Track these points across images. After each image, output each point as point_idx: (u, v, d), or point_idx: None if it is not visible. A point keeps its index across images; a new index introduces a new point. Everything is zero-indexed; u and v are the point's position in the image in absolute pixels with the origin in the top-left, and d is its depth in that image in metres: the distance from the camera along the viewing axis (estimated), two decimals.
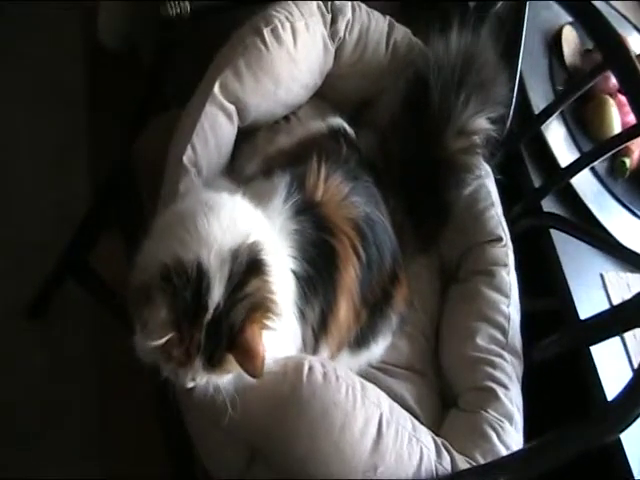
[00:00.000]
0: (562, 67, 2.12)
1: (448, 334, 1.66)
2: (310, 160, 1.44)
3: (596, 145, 1.92)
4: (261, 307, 1.20)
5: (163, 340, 1.15)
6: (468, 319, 1.62)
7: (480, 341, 1.57)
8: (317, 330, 1.37)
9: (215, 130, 1.54)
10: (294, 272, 1.32)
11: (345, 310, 1.41)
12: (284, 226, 1.33)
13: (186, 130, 1.52)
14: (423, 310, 1.68)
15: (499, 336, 1.58)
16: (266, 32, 1.59)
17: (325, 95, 1.80)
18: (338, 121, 1.66)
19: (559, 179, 1.83)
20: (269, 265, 1.24)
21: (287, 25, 1.63)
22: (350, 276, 1.40)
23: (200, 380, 1.21)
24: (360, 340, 1.49)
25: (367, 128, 1.77)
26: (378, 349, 1.55)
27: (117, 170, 1.89)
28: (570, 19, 2.18)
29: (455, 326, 1.65)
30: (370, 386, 1.37)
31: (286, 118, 1.74)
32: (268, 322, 1.20)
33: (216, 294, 1.18)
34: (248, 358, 1.17)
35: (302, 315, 1.34)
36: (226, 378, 1.23)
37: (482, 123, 1.69)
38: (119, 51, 2.62)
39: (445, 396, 1.59)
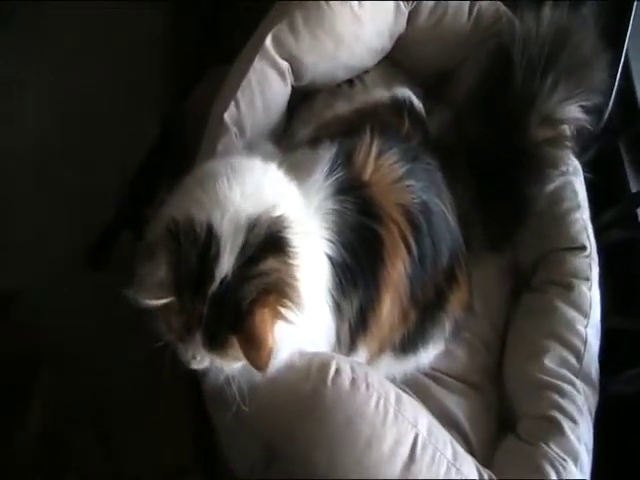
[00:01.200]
0: None
1: (513, 348, 1.43)
2: (363, 132, 1.24)
3: None
4: (276, 291, 1.04)
5: (159, 302, 1.02)
6: (538, 335, 1.39)
7: (549, 363, 1.34)
8: (355, 327, 1.19)
9: (264, 88, 1.41)
10: (330, 257, 1.13)
11: (389, 308, 1.21)
12: (322, 205, 1.15)
13: (232, 86, 1.39)
14: (488, 316, 1.47)
15: (572, 360, 1.34)
16: None
17: (397, 61, 1.63)
18: (405, 92, 1.45)
19: None
20: (293, 246, 1.07)
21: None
22: (397, 271, 1.19)
23: (202, 361, 1.08)
24: (407, 344, 1.29)
25: (441, 105, 1.56)
26: (427, 356, 1.35)
27: (168, 124, 1.80)
28: None
29: (523, 340, 1.42)
30: (407, 400, 1.18)
31: (350, 82, 1.57)
32: (284, 311, 1.04)
33: (225, 264, 1.03)
34: (253, 346, 1.02)
35: (337, 307, 1.16)
36: (234, 366, 1.09)
37: (573, 111, 1.44)
38: None
39: (503, 417, 1.38)
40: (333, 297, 1.15)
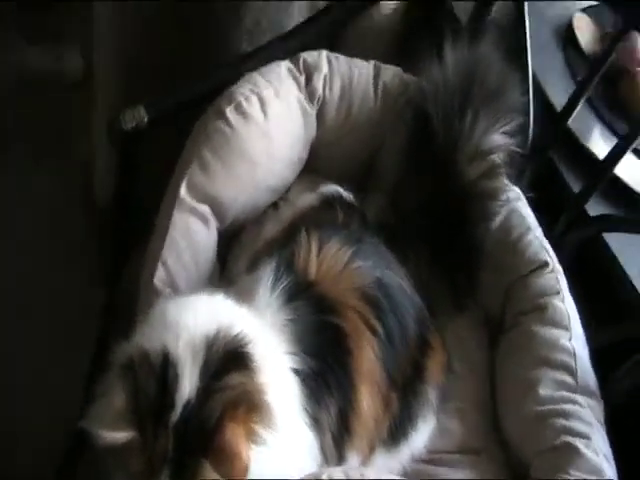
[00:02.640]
0: (580, 57, 1.87)
1: (505, 395, 1.37)
2: (298, 236, 1.22)
3: (635, 122, 1.62)
4: (244, 404, 0.98)
5: (119, 436, 0.93)
6: (524, 369, 1.33)
7: (544, 391, 1.28)
8: (338, 435, 1.13)
9: (189, 240, 1.34)
10: (296, 371, 1.08)
11: (369, 401, 1.16)
12: (275, 319, 1.11)
13: (156, 247, 1.32)
14: (470, 377, 1.40)
15: (567, 378, 1.29)
16: (228, 111, 1.40)
17: (317, 168, 1.56)
18: (331, 187, 1.44)
19: (601, 173, 1.54)
20: (257, 361, 1.02)
21: (252, 97, 1.42)
22: (367, 358, 1.16)
23: None
24: (396, 432, 1.23)
25: (373, 190, 1.54)
26: (420, 437, 1.28)
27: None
28: (579, 7, 1.95)
29: (511, 382, 1.36)
30: None
31: (274, 205, 1.51)
32: (255, 427, 0.97)
33: (187, 387, 0.97)
34: (227, 462, 0.93)
35: (315, 421, 1.10)
36: None
37: (497, 139, 1.43)
38: None
39: (515, 469, 1.30)
40: (308, 412, 1.08)
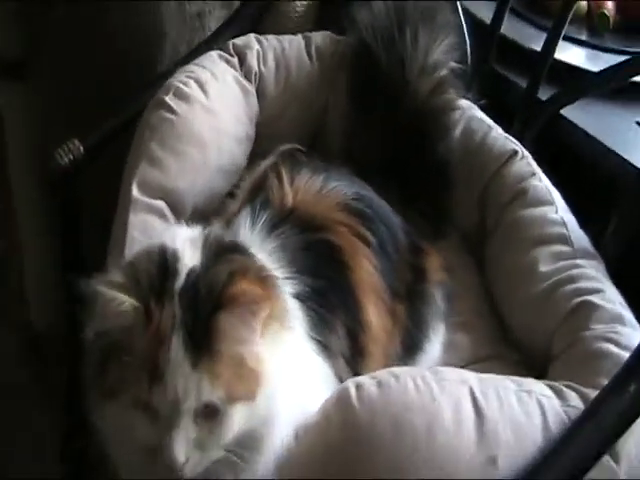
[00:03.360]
0: None
1: (507, 290, 1.34)
2: (266, 181, 1.20)
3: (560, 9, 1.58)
4: (252, 273, 0.93)
5: (122, 308, 0.87)
6: (521, 256, 1.31)
7: (544, 268, 1.26)
8: (351, 358, 1.10)
9: (149, 237, 1.22)
10: (296, 296, 1.04)
11: (376, 317, 1.13)
12: (262, 250, 1.05)
13: (115, 251, 1.25)
14: (466, 294, 1.38)
15: (563, 248, 1.27)
16: (168, 99, 1.38)
17: (266, 148, 1.47)
18: (286, 145, 1.43)
19: (543, 60, 1.54)
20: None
21: (190, 81, 1.41)
22: (365, 269, 1.13)
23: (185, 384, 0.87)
24: (409, 343, 1.20)
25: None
26: (434, 347, 1.26)
27: None
28: None
29: (511, 275, 1.33)
30: (444, 368, 1.08)
31: (231, 195, 1.42)
32: (260, 306, 0.89)
33: (189, 261, 0.93)
34: (244, 308, 0.88)
35: (325, 348, 1.06)
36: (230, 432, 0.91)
37: (439, 54, 1.43)
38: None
39: (533, 363, 1.26)
40: (316, 339, 1.05)
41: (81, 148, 1.41)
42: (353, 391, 0.98)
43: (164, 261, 0.93)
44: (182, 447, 0.88)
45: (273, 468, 0.97)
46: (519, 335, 1.31)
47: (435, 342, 1.26)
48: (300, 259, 1.07)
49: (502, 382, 1.04)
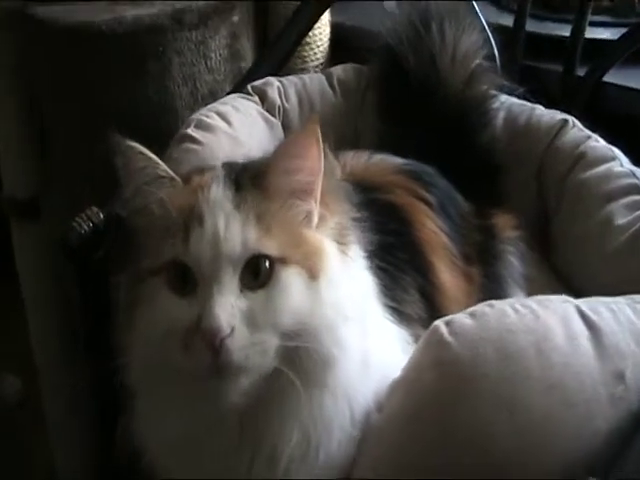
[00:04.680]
0: None
1: (584, 257, 1.20)
2: None
3: None
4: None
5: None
6: (592, 217, 1.18)
7: (621, 220, 1.13)
8: (429, 319, 0.93)
9: None
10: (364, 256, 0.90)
11: (448, 275, 1.02)
12: None
13: None
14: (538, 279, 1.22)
15: (636, 197, 1.15)
16: (191, 131, 1.28)
17: None
18: None
19: (576, 37, 1.47)
20: None
21: (212, 114, 1.33)
22: (430, 229, 1.03)
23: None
24: None
25: None
26: None
27: None
28: None
29: (585, 240, 1.20)
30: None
31: None
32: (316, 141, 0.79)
33: None
34: (295, 142, 0.80)
35: (400, 315, 0.94)
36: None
37: (468, 46, 1.35)
38: None
39: None
40: (390, 306, 0.92)
41: (100, 214, 1.29)
42: (444, 328, 0.84)
43: None
44: (224, 308, 0.74)
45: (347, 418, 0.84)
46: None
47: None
48: (363, 216, 0.94)
49: (611, 299, 0.90)
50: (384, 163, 1.10)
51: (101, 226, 1.28)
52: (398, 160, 1.12)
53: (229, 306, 0.74)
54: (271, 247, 0.77)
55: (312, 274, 0.78)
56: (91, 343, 1.36)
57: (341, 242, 0.84)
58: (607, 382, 0.81)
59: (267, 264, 0.77)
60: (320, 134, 0.79)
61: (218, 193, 0.78)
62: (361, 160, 1.10)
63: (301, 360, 0.78)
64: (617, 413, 0.80)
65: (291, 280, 0.77)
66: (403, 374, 0.87)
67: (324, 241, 0.82)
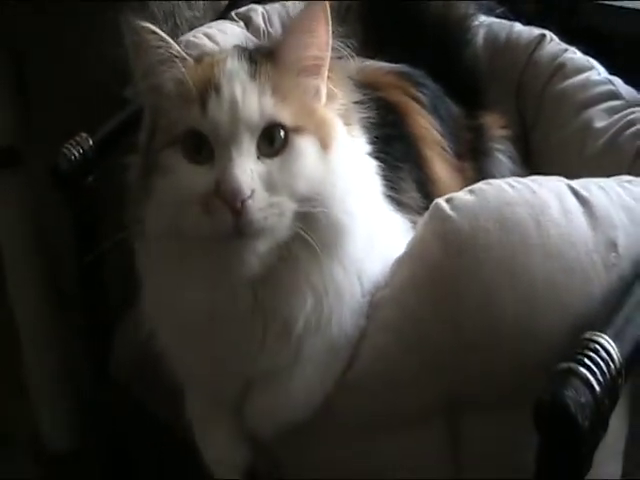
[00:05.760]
0: None
1: (562, 160, 1.21)
2: None
3: None
4: None
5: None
6: (572, 123, 1.21)
7: (600, 123, 1.16)
8: (425, 210, 0.94)
9: None
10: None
11: (443, 170, 1.05)
12: None
13: None
14: None
15: (614, 103, 1.18)
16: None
17: None
18: None
19: None
20: None
21: (199, 34, 1.35)
22: (422, 126, 1.06)
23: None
24: None
25: None
26: None
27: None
28: None
29: (565, 145, 1.22)
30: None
31: None
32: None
33: None
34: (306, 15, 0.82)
35: (399, 203, 0.97)
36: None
37: None
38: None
39: None
40: (391, 196, 0.95)
41: (90, 140, 1.30)
42: (445, 204, 0.87)
43: None
44: (243, 171, 0.77)
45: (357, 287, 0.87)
46: None
47: None
48: (360, 110, 0.96)
49: (600, 179, 0.93)
50: (376, 65, 1.13)
51: (90, 152, 1.29)
52: (390, 64, 1.14)
53: (248, 170, 0.77)
54: (286, 116, 0.79)
55: (324, 144, 0.81)
56: (86, 271, 1.37)
57: (346, 122, 0.87)
58: (601, 251, 0.84)
59: (282, 132, 0.79)
60: (329, 10, 0.81)
61: (234, 65, 0.81)
62: (353, 65, 1.11)
63: (314, 225, 0.81)
64: (610, 278, 0.84)
65: (305, 148, 0.80)
66: (408, 249, 0.90)
67: (333, 117, 0.85)
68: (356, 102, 0.94)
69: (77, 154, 1.27)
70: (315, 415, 0.88)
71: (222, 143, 0.78)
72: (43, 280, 1.77)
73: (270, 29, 1.48)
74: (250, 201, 0.76)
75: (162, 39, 0.83)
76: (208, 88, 0.79)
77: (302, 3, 1.49)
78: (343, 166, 0.83)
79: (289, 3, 1.55)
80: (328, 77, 0.85)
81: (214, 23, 1.46)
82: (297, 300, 0.83)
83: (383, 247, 0.90)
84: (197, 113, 0.79)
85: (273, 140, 0.79)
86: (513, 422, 0.84)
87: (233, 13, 1.50)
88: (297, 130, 0.80)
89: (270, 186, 0.78)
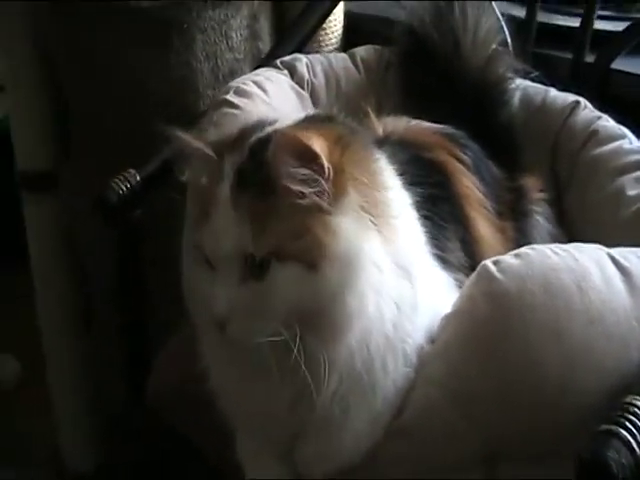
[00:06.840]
0: None
1: (595, 225, 1.25)
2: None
3: None
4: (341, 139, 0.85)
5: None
6: (604, 189, 1.24)
7: (632, 191, 1.19)
8: (470, 269, 1.00)
9: None
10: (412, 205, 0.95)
11: (487, 229, 1.08)
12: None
13: None
14: None
15: None
16: (229, 96, 1.34)
17: None
18: None
19: (585, 26, 1.53)
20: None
21: (248, 82, 1.39)
22: (466, 185, 1.10)
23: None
24: None
25: None
26: None
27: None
28: None
29: (596, 209, 1.25)
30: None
31: None
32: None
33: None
34: (298, 150, 0.79)
35: (445, 262, 0.99)
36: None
37: (488, 28, 1.40)
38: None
39: None
40: (436, 254, 0.97)
41: (137, 177, 1.36)
42: (492, 266, 0.91)
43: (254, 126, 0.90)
44: (221, 298, 0.81)
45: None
46: None
47: None
48: (409, 170, 1.00)
49: (637, 249, 0.97)
50: (422, 125, 1.17)
51: (137, 188, 1.35)
52: (434, 125, 1.18)
53: (228, 297, 0.81)
54: (264, 247, 0.80)
55: (311, 264, 0.81)
56: (127, 301, 1.44)
57: (374, 214, 0.86)
58: (639, 317, 0.89)
59: (260, 261, 0.81)
60: (326, 147, 0.81)
61: (223, 190, 0.83)
62: (401, 122, 1.17)
63: (309, 327, 0.83)
64: None
65: (285, 275, 0.81)
66: (455, 307, 0.93)
67: (338, 222, 0.82)
68: (404, 163, 0.99)
69: (125, 189, 1.34)
70: (362, 460, 0.91)
71: (214, 264, 0.84)
72: (72, 299, 1.82)
73: (314, 79, 1.52)
74: (229, 326, 0.81)
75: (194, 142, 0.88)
76: (204, 211, 0.85)
77: (343, 56, 1.58)
78: (338, 275, 0.82)
79: (331, 55, 1.60)
80: (340, 177, 0.83)
81: (260, 70, 1.50)
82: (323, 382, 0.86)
83: (429, 306, 0.93)
84: (198, 232, 0.85)
85: (254, 267, 0.82)
86: (546, 474, 0.89)
87: (278, 61, 1.53)
88: (278, 257, 0.81)
89: (251, 311, 0.82)
